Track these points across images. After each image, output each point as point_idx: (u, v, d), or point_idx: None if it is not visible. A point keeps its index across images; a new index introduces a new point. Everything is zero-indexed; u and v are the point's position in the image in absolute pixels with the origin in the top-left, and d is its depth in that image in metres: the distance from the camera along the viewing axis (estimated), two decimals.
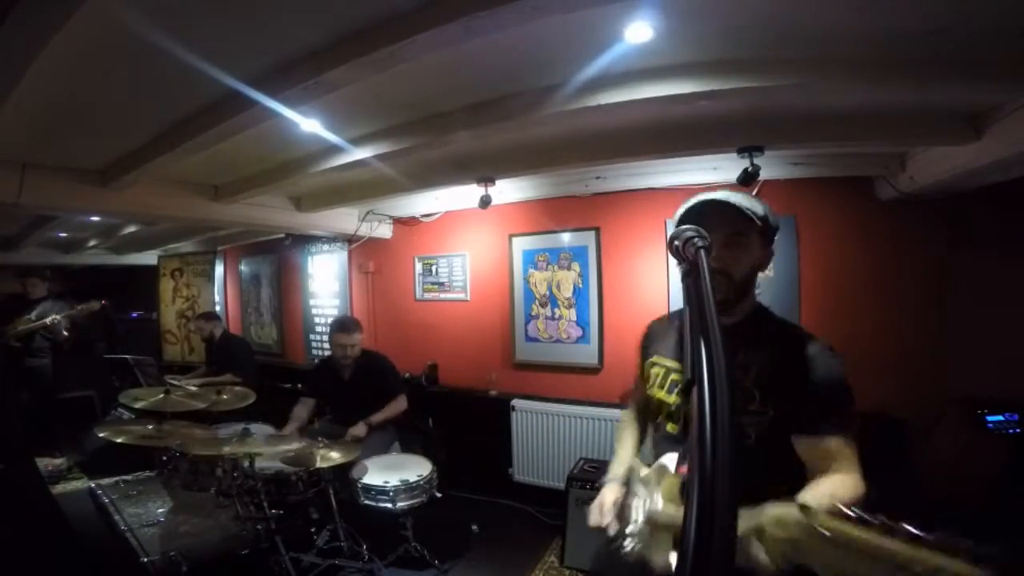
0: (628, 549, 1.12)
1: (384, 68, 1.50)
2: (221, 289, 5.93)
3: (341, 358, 3.10)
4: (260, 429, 3.10)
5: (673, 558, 0.93)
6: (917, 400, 2.51)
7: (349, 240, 4.49)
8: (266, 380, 4.13)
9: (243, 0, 1.31)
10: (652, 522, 1.03)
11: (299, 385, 4.01)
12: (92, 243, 5.75)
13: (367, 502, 2.51)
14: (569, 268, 3.55)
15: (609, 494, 1.24)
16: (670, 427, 1.17)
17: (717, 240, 0.93)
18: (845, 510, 0.64)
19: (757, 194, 2.78)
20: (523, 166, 2.70)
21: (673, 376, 1.18)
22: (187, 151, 2.17)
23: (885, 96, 1.82)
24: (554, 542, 2.94)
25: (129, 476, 3.07)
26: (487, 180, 2.88)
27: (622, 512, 1.18)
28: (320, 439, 2.54)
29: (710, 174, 2.89)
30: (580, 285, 3.50)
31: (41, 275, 4.34)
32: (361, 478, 2.53)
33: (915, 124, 2.02)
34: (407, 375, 3.98)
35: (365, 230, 4.21)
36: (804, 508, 0.70)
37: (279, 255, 5.26)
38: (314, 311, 4.98)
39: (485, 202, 2.95)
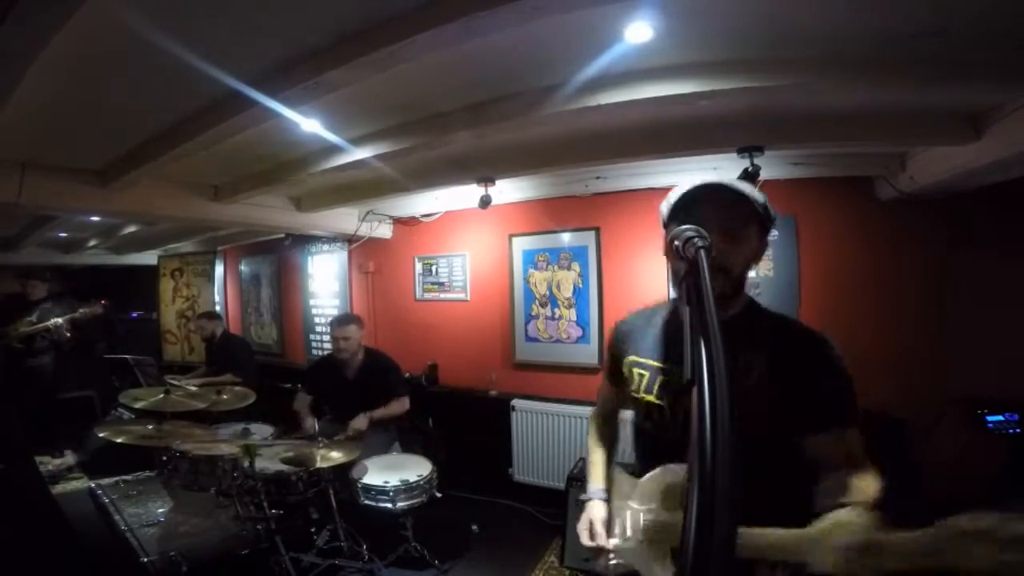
0: (619, 562, 1.10)
1: (384, 68, 1.50)
2: (221, 289, 5.93)
3: (337, 352, 3.11)
4: (260, 429, 3.11)
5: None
6: (917, 400, 2.51)
7: (349, 240, 4.49)
8: (266, 380, 4.13)
9: (243, 0, 1.31)
10: (653, 533, 1.00)
11: (299, 385, 4.01)
12: (92, 243, 5.76)
13: (367, 502, 2.51)
14: (569, 268, 3.55)
15: (597, 511, 1.19)
16: (661, 430, 1.08)
17: (714, 229, 0.89)
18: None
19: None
20: (523, 166, 2.70)
21: (662, 378, 1.08)
22: (187, 151, 2.17)
23: (885, 96, 1.82)
24: (554, 542, 2.94)
25: (129, 476, 3.07)
26: (487, 180, 2.88)
27: (610, 527, 1.15)
28: (320, 439, 2.54)
29: (710, 174, 2.86)
30: (580, 285, 3.50)
31: (41, 276, 4.34)
32: (361, 478, 2.53)
33: (915, 124, 2.02)
34: (407, 375, 3.98)
35: (365, 230, 4.21)
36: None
37: (279, 255, 5.26)
38: (314, 311, 4.98)
39: (485, 202, 2.95)
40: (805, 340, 1.01)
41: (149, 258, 6.40)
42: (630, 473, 1.20)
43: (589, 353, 3.47)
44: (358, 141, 2.33)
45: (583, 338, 3.50)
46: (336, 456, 2.42)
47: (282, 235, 4.80)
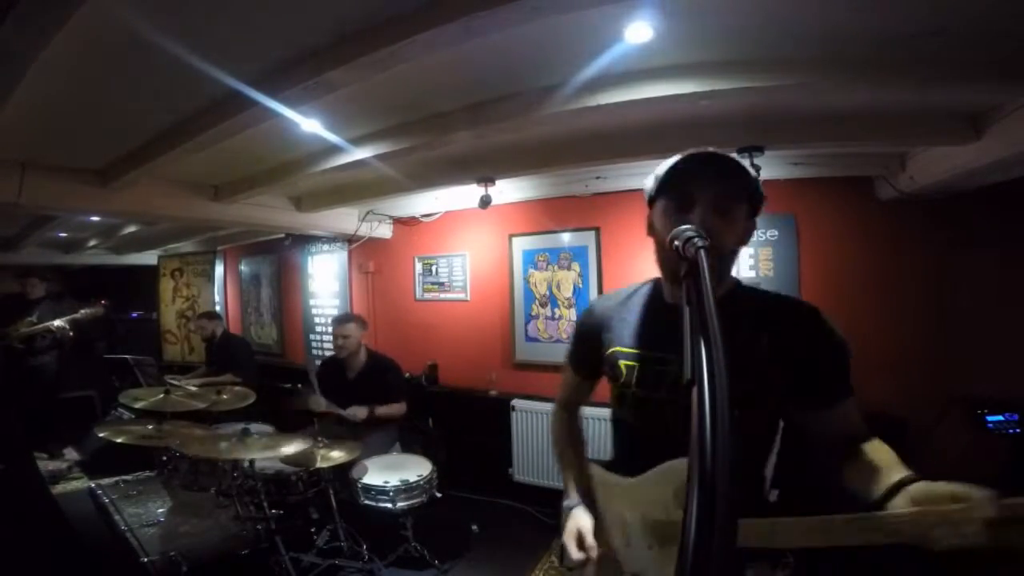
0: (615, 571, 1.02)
1: (384, 68, 1.50)
2: (221, 289, 5.93)
3: (337, 350, 3.18)
4: (260, 429, 3.11)
5: None
6: (917, 400, 2.51)
7: (349, 240, 4.49)
8: (266, 380, 4.13)
9: (243, 0, 1.31)
10: (663, 535, 0.94)
11: (299, 385, 4.00)
12: (92, 243, 5.76)
13: (367, 502, 2.51)
14: (569, 268, 3.55)
15: (583, 520, 1.08)
16: (651, 426, 1.01)
17: (705, 203, 0.88)
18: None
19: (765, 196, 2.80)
20: (523, 166, 2.70)
21: (650, 369, 1.00)
22: (187, 151, 2.17)
23: (885, 96, 1.81)
24: (554, 542, 2.94)
25: (129, 476, 3.06)
26: (487, 180, 2.88)
27: (599, 535, 1.06)
28: (320, 439, 2.54)
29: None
30: (580, 285, 3.50)
31: (40, 276, 4.34)
32: (361, 478, 2.53)
33: (915, 124, 2.02)
34: (407, 375, 3.98)
35: (365, 230, 4.21)
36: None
37: (279, 255, 5.26)
38: (314, 311, 4.98)
39: (485, 202, 2.95)
40: (800, 315, 0.97)
41: (149, 258, 6.40)
42: (607, 471, 1.13)
43: None
44: (358, 141, 2.33)
45: None
46: (336, 456, 2.42)
47: (282, 235, 4.80)
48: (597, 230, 3.44)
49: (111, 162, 2.63)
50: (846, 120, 2.08)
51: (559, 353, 3.53)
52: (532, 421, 3.47)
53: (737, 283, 1.05)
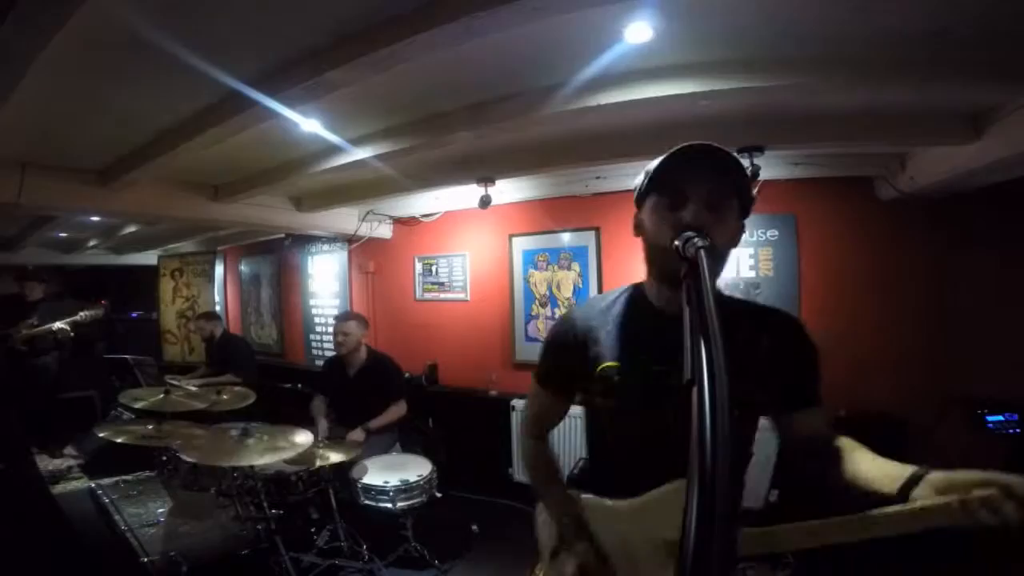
0: None
1: (384, 68, 1.50)
2: (221, 289, 5.94)
3: (336, 347, 3.19)
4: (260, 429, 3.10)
5: None
6: (917, 400, 2.51)
7: (349, 240, 4.49)
8: (266, 380, 4.13)
9: (243, 0, 1.31)
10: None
11: (299, 385, 4.00)
12: (92, 243, 5.76)
13: (367, 502, 2.51)
14: (569, 268, 3.55)
15: (588, 554, 0.97)
16: (648, 443, 0.94)
17: (699, 198, 0.85)
18: None
19: (757, 193, 2.80)
20: (523, 166, 2.70)
21: (650, 380, 0.94)
22: (187, 151, 2.17)
23: (885, 96, 1.82)
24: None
25: (129, 476, 3.07)
26: (487, 180, 2.88)
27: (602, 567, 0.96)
28: (320, 439, 2.54)
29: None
30: (580, 285, 3.50)
31: (38, 277, 4.35)
32: (361, 478, 2.53)
33: (915, 124, 2.02)
34: (407, 375, 3.98)
35: (365, 230, 4.21)
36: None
37: (279, 255, 5.26)
38: (314, 311, 4.98)
39: (485, 202, 2.95)
40: (778, 323, 0.99)
41: (149, 258, 6.40)
42: (597, 497, 1.03)
43: None
44: (358, 141, 2.33)
45: None
46: (336, 456, 2.42)
47: (282, 235, 4.81)
48: (597, 230, 3.44)
49: (111, 162, 2.63)
50: (846, 120, 2.08)
51: None
52: None
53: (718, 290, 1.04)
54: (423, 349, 4.17)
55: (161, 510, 2.65)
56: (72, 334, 4.10)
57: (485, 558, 2.84)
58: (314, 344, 4.99)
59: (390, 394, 3.13)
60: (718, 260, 0.91)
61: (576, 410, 1.11)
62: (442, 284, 4.15)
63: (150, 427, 2.58)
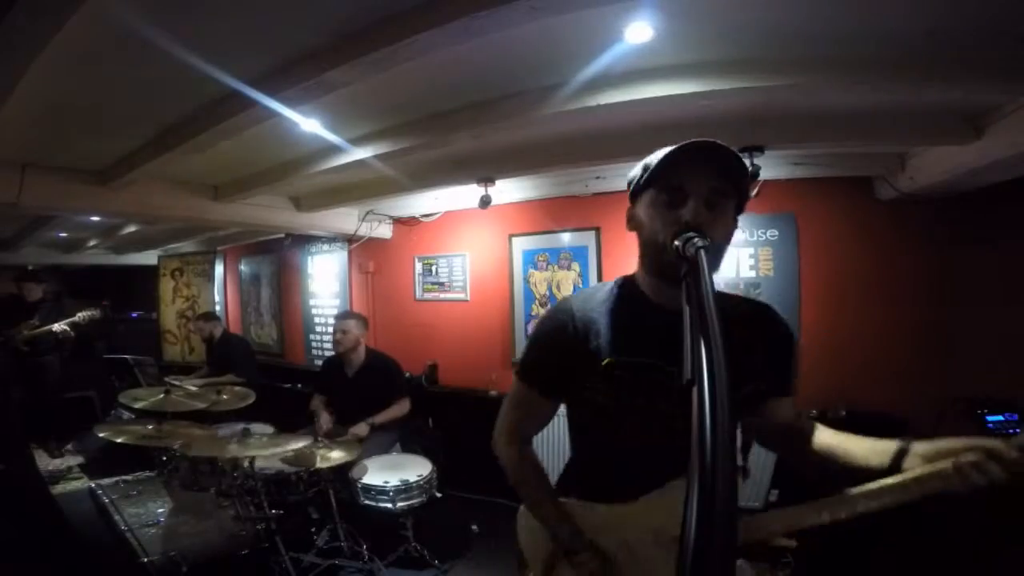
0: None
1: (384, 68, 1.50)
2: (221, 289, 5.93)
3: (335, 345, 3.20)
4: (260, 429, 3.10)
5: None
6: (917, 400, 2.51)
7: (349, 240, 4.49)
8: (266, 380, 4.13)
9: (243, 0, 1.31)
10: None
11: (299, 385, 4.01)
12: (92, 243, 5.76)
13: (367, 502, 2.51)
14: (569, 268, 3.55)
15: (590, 563, 0.95)
16: (649, 441, 0.94)
17: (697, 194, 0.84)
18: None
19: (757, 194, 2.80)
20: (523, 166, 2.70)
21: (653, 376, 0.92)
22: (187, 151, 2.17)
23: (885, 96, 1.81)
24: None
25: (129, 476, 3.07)
26: (487, 180, 2.87)
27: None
28: (320, 439, 2.54)
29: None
30: (580, 285, 3.50)
31: (37, 278, 4.35)
32: (361, 478, 2.53)
33: (915, 124, 2.02)
34: (407, 375, 3.98)
35: (365, 230, 4.21)
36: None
37: (279, 255, 5.26)
38: (314, 311, 4.98)
39: (485, 202, 2.95)
40: (759, 314, 1.02)
41: (149, 258, 6.40)
42: (588, 502, 1.02)
43: None
44: (358, 141, 2.33)
45: None
46: (336, 456, 2.42)
47: (282, 235, 4.80)
48: (597, 230, 3.44)
49: (111, 162, 2.63)
50: (846, 120, 2.08)
51: None
52: None
53: None
54: (423, 349, 4.17)
55: (161, 510, 2.65)
56: (73, 334, 4.11)
57: (485, 558, 2.83)
58: (314, 344, 4.99)
59: (393, 392, 3.13)
60: (715, 258, 0.89)
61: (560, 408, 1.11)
62: (442, 284, 4.15)
63: (150, 427, 2.58)
